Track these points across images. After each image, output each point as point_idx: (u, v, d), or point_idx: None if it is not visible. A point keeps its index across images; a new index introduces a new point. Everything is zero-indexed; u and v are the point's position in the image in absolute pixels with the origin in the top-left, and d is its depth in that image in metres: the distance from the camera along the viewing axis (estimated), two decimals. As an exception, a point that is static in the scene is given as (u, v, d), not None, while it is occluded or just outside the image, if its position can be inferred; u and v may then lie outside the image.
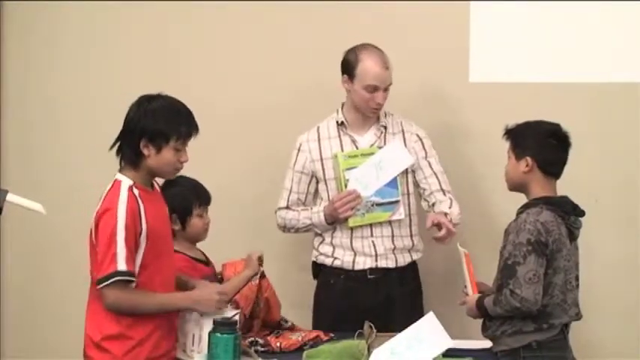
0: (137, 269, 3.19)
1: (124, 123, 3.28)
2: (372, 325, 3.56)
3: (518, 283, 3.38)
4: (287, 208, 4.05)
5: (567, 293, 3.47)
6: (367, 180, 3.89)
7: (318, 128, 4.05)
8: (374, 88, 3.88)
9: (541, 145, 3.53)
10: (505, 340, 3.49)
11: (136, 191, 3.22)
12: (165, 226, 3.35)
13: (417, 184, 4.05)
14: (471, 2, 4.40)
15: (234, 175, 4.54)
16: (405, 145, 4.00)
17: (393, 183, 3.92)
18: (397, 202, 3.94)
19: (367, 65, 3.87)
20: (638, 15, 4.25)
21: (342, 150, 3.97)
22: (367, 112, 3.96)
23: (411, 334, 3.24)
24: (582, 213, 3.56)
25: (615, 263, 4.29)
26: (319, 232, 4.02)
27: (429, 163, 4.03)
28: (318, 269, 4.09)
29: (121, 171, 3.28)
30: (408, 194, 4.00)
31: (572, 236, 3.52)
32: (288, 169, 4.05)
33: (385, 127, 4.01)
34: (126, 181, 3.23)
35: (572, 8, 4.31)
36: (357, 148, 3.98)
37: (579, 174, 4.07)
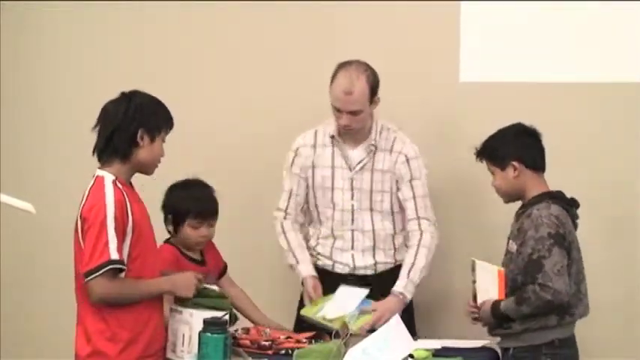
0: (125, 260, 3.20)
1: (116, 117, 3.26)
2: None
3: (548, 276, 3.38)
4: (285, 211, 3.99)
5: (580, 283, 3.50)
6: (342, 310, 3.76)
7: (316, 133, 3.99)
8: (337, 109, 3.83)
9: (518, 145, 3.56)
10: (525, 336, 3.49)
11: (119, 185, 3.24)
12: (147, 223, 3.35)
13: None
14: (462, 2, 4.40)
15: (225, 176, 4.52)
16: (393, 165, 3.91)
17: (364, 302, 3.81)
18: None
19: (334, 85, 3.81)
20: (634, 13, 4.25)
21: (334, 156, 3.92)
22: (340, 129, 3.89)
23: (381, 336, 3.32)
24: (578, 205, 3.59)
25: (614, 263, 4.29)
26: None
27: (412, 187, 3.92)
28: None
29: (101, 168, 3.29)
30: (393, 213, 3.95)
31: (574, 227, 3.56)
32: (286, 171, 4.01)
33: (375, 147, 3.91)
34: (108, 176, 3.25)
35: (565, 6, 4.29)
36: (346, 162, 3.91)
37: (576, 174, 4.08)
